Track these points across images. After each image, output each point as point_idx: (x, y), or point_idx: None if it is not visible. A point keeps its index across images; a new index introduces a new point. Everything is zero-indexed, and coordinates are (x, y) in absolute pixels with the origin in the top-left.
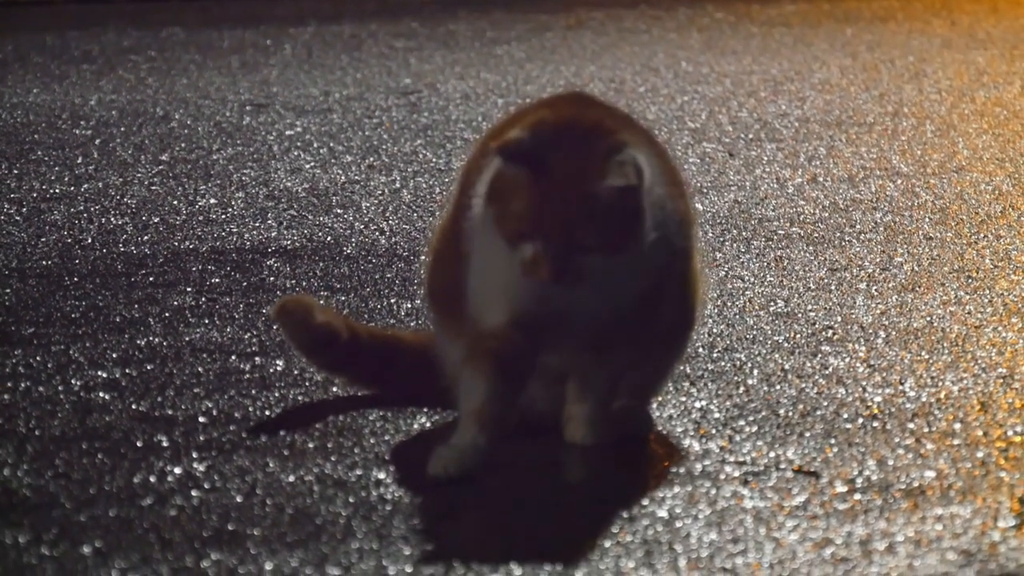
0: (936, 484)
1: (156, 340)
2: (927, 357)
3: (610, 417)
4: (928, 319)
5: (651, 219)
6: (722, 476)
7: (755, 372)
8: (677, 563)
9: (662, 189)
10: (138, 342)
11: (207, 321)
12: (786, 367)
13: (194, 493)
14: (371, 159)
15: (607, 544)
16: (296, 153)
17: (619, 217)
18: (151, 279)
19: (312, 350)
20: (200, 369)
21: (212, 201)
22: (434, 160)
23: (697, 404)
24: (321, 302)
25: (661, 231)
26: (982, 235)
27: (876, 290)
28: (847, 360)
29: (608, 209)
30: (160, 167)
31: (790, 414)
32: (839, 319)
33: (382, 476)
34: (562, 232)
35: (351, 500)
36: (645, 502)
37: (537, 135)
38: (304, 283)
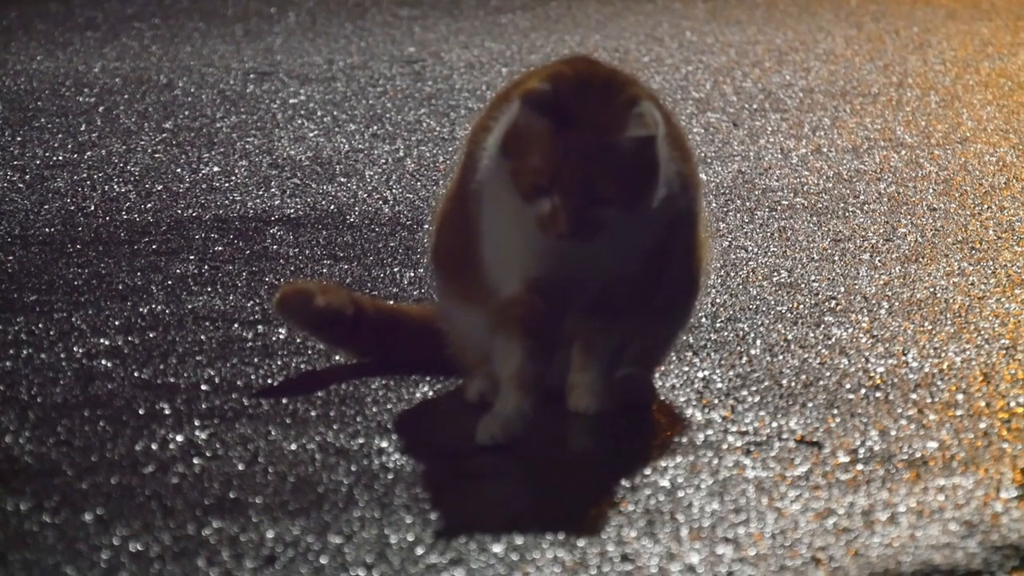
0: (938, 455)
1: (159, 308)
2: (930, 328)
3: (613, 386)
4: (931, 290)
5: (663, 175)
6: (724, 446)
7: (758, 342)
8: (679, 533)
9: (667, 151)
10: (140, 310)
11: (210, 289)
12: (789, 337)
13: (196, 461)
14: (375, 128)
15: (609, 513)
16: (300, 121)
17: (637, 169)
18: (154, 247)
19: (317, 332)
20: (203, 337)
21: (215, 169)
22: (438, 129)
23: (700, 374)
24: (322, 279)
25: (668, 190)
26: (986, 206)
27: (879, 261)
28: (850, 331)
29: (627, 161)
30: (164, 135)
31: (793, 384)
32: (842, 290)
33: (384, 445)
34: (582, 184)
35: (353, 468)
36: (647, 472)
37: (559, 86)
38: (307, 251)
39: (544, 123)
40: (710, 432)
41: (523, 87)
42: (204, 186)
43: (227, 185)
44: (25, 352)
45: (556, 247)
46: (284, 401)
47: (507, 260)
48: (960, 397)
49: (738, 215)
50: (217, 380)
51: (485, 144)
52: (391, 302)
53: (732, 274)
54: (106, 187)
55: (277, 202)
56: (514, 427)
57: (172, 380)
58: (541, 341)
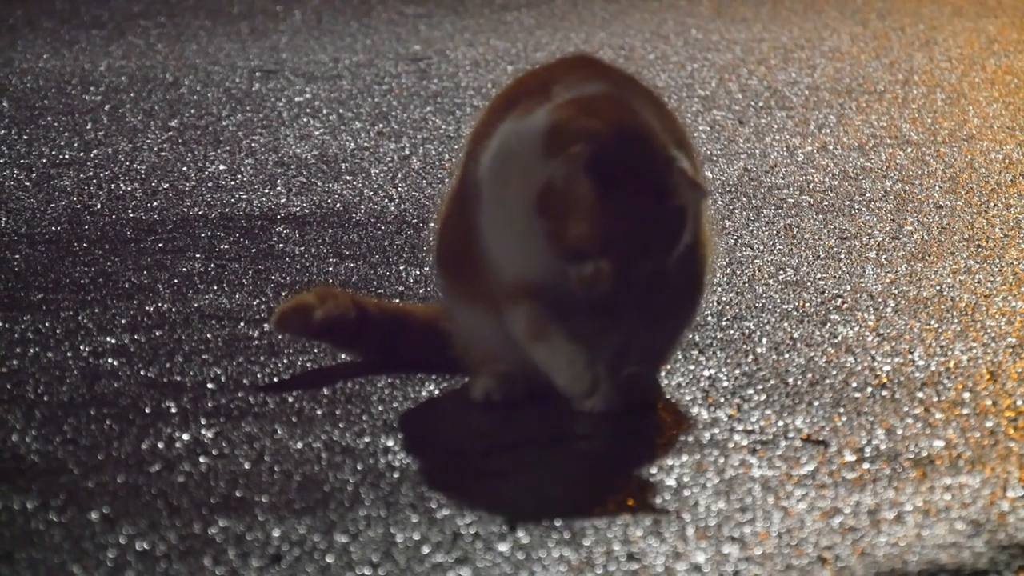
0: (945, 454)
1: (165, 306)
2: (936, 326)
3: (619, 384)
4: (938, 288)
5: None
6: (730, 445)
7: (764, 341)
8: (685, 532)
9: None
10: (147, 308)
11: (216, 287)
12: (795, 336)
13: (202, 459)
14: (380, 126)
15: (615, 512)
16: (305, 119)
17: (680, 228)
18: (160, 245)
19: (322, 340)
20: (209, 335)
21: (221, 167)
22: (443, 127)
23: (706, 372)
24: (325, 280)
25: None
26: (992, 204)
27: (886, 259)
28: (856, 329)
29: (673, 224)
30: (169, 133)
31: (799, 383)
32: (848, 288)
33: (390, 443)
34: (630, 250)
35: (359, 467)
36: (653, 470)
37: (598, 145)
38: (313, 250)
39: (589, 187)
40: (716, 431)
41: (559, 137)
42: (210, 184)
43: (233, 183)
44: (31, 350)
45: (559, 266)
46: (290, 400)
47: (508, 267)
48: (967, 396)
49: (744, 213)
50: (223, 378)
51: (482, 157)
52: (396, 301)
53: (738, 272)
54: (112, 185)
55: (283, 200)
56: (513, 386)
57: (178, 378)
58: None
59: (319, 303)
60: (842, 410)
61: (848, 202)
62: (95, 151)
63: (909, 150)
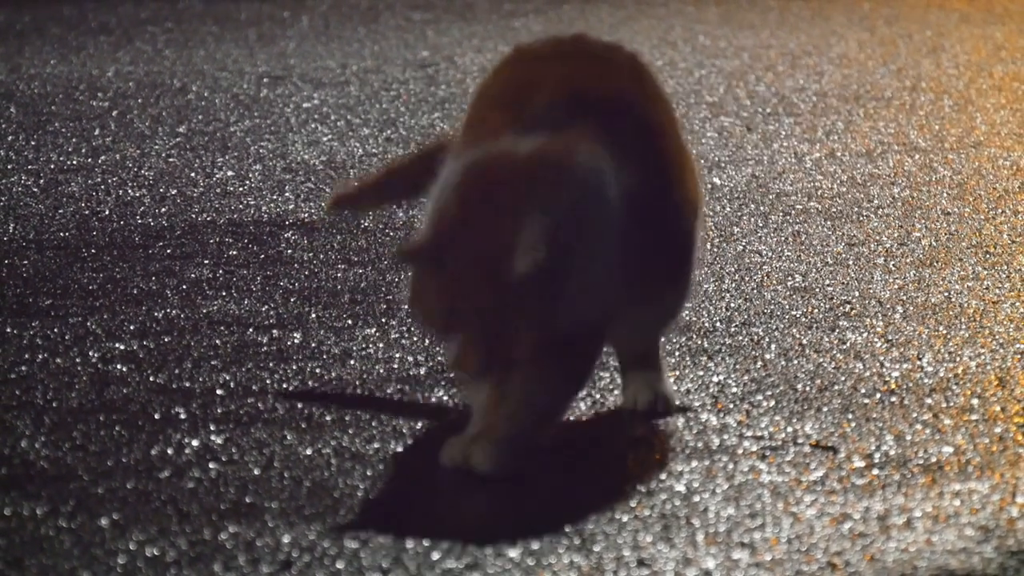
0: (954, 459)
1: (173, 312)
2: (945, 332)
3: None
4: (946, 294)
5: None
6: (740, 451)
7: (773, 347)
8: (695, 538)
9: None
10: (155, 314)
11: (224, 293)
12: (804, 342)
13: (211, 466)
14: (388, 132)
15: (625, 518)
16: (313, 126)
17: (539, 293)
18: (168, 251)
19: (375, 203)
20: (217, 341)
21: (229, 173)
22: (451, 133)
23: (715, 378)
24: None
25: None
26: (1000, 210)
27: (894, 265)
28: (865, 335)
29: (525, 292)
30: (177, 139)
31: (808, 389)
32: (857, 294)
33: (400, 449)
34: (481, 325)
35: (369, 473)
36: (663, 476)
37: (440, 234)
38: (321, 256)
39: (428, 273)
40: (725, 436)
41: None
42: (218, 190)
43: (241, 189)
44: (40, 356)
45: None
46: (299, 405)
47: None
48: (975, 402)
49: (752, 219)
50: (232, 384)
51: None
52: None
53: (746, 278)
54: (120, 191)
55: (291, 206)
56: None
57: (187, 384)
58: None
59: (360, 195)
60: (851, 416)
61: (856, 208)
62: (103, 157)
63: (917, 156)
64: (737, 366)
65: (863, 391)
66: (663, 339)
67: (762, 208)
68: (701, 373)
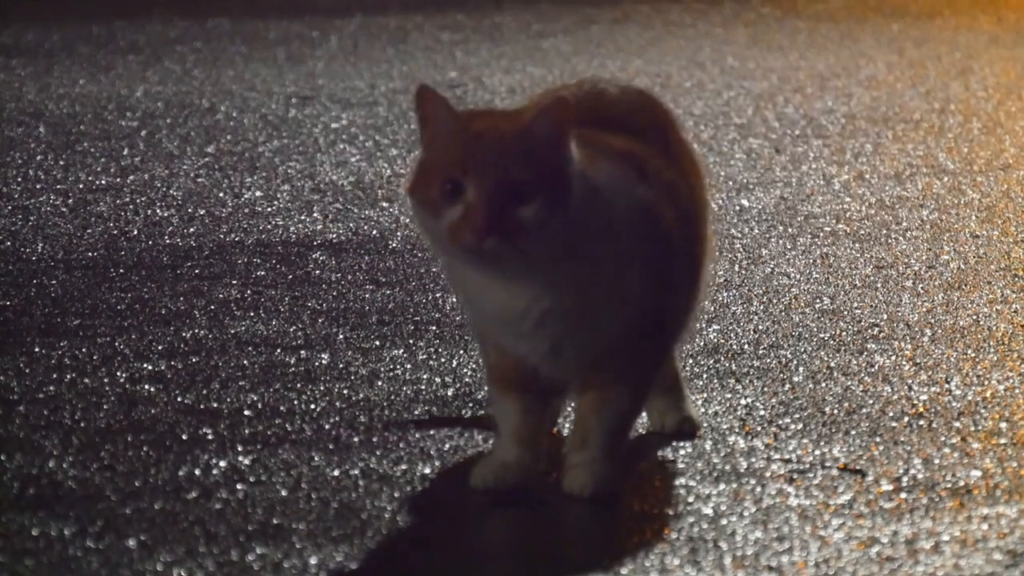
0: (982, 483)
1: (201, 333)
2: (973, 355)
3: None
4: (974, 317)
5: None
6: (768, 474)
7: (801, 369)
8: (723, 561)
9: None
10: (183, 334)
11: (252, 314)
12: (832, 365)
13: (239, 486)
14: (416, 152)
15: (652, 541)
16: (342, 146)
17: (550, 152)
18: (196, 271)
19: None
20: (245, 362)
21: (258, 194)
22: None
23: (743, 401)
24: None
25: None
26: None
27: (922, 288)
28: (893, 358)
29: (539, 143)
30: (206, 159)
31: (836, 412)
32: (885, 317)
33: (427, 471)
34: (494, 171)
35: (396, 495)
36: (690, 499)
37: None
38: (349, 276)
39: (450, 115)
40: (753, 459)
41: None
42: (246, 211)
43: (269, 210)
44: (68, 376)
45: (492, 285)
46: (327, 427)
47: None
48: (1004, 425)
49: (780, 242)
50: (260, 405)
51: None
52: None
53: (775, 301)
54: (149, 211)
55: (319, 227)
56: (510, 476)
57: (215, 405)
58: (534, 394)
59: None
60: (879, 439)
61: (884, 231)
62: (132, 177)
63: (945, 179)
64: (765, 389)
65: (891, 414)
66: (681, 361)
67: (790, 230)
68: (729, 395)
